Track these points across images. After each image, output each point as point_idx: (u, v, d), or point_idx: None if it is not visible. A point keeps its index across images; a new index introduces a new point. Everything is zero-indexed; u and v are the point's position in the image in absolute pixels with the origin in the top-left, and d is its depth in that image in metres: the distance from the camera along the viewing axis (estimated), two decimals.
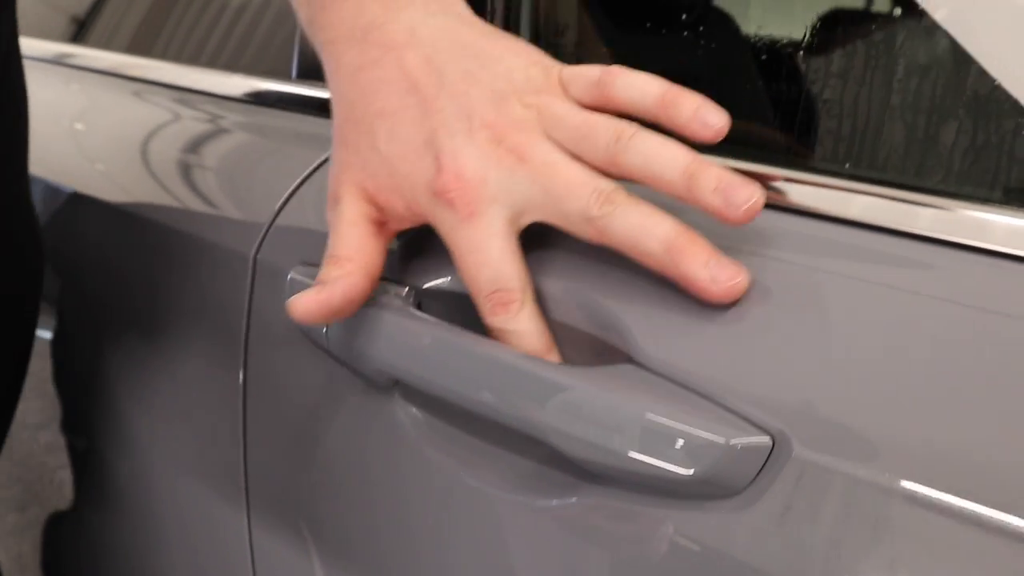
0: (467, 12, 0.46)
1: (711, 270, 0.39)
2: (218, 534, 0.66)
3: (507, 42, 0.45)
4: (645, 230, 0.40)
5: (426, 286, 0.49)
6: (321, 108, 0.65)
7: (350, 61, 0.45)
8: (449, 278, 0.48)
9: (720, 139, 0.40)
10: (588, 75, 0.43)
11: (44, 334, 0.81)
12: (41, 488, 0.89)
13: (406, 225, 0.46)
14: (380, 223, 0.45)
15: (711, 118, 0.40)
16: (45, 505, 0.89)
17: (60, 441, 0.84)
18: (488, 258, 0.42)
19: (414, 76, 0.43)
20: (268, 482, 0.60)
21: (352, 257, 0.44)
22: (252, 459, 0.60)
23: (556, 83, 0.44)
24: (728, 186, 0.39)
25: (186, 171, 0.73)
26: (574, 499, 0.43)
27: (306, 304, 0.44)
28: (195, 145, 0.74)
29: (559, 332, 0.44)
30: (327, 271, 0.44)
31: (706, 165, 0.40)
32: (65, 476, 0.83)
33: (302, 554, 0.58)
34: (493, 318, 0.43)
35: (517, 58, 0.44)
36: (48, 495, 0.88)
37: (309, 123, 0.65)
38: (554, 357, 0.43)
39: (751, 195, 0.39)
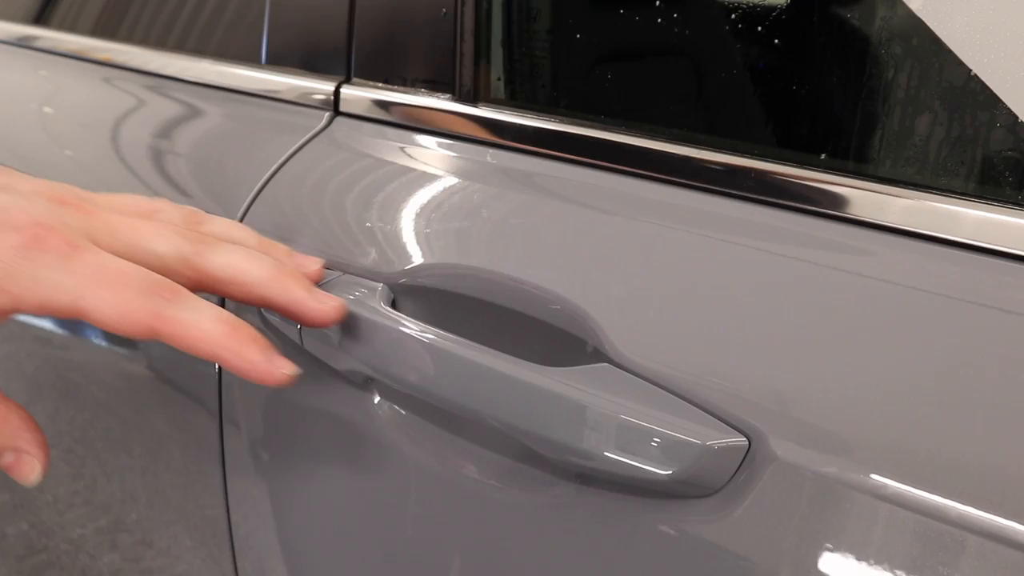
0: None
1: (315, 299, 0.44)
2: (197, 533, 0.66)
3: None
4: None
5: (400, 282, 0.48)
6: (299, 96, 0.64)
7: None
8: (423, 274, 0.48)
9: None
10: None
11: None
12: None
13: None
14: None
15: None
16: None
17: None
18: (122, 268, 0.39)
19: None
20: (245, 479, 0.60)
21: None
22: (229, 451, 0.60)
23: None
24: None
25: (158, 158, 0.71)
26: (552, 496, 0.43)
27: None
28: (166, 132, 0.72)
29: (537, 332, 0.44)
30: None
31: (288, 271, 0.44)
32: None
33: (282, 548, 0.58)
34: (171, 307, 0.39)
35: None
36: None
37: (282, 110, 0.64)
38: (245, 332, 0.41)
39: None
